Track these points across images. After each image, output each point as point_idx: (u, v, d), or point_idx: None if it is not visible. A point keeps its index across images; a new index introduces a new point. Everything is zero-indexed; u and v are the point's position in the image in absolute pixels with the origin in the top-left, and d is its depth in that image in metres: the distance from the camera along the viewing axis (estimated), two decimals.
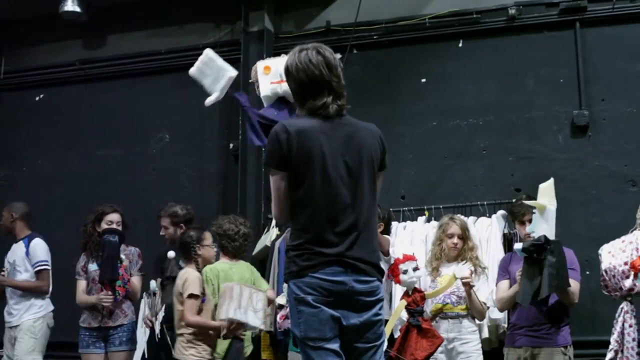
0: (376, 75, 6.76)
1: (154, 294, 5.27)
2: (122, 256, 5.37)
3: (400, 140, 6.51)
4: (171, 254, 5.15)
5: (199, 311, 4.52)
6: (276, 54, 6.17)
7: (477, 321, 4.89)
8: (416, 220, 6.03)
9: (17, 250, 5.83)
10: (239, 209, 6.52)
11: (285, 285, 4.49)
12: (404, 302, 4.62)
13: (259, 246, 6.12)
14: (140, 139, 7.41)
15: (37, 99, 7.97)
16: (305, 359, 2.82)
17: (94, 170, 7.47)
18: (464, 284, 4.65)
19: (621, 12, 6.20)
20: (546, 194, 4.19)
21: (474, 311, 4.78)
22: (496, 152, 6.33)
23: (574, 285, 4.44)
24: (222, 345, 4.69)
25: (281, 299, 5.08)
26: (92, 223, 5.42)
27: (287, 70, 3.03)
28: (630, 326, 4.17)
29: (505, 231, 5.71)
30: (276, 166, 2.89)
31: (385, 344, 3.02)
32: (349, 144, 2.91)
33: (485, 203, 5.96)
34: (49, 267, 5.77)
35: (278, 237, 5.95)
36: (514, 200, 5.17)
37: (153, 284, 5.26)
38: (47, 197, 7.43)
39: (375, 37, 6.79)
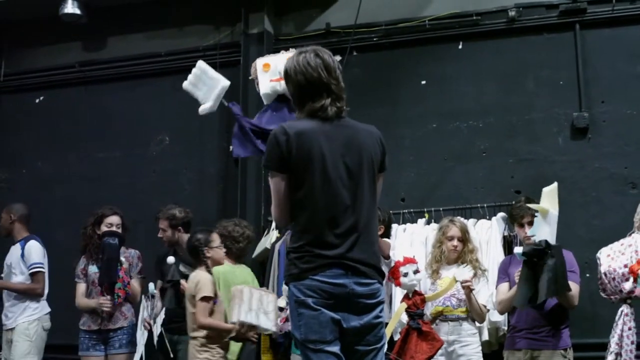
0: (376, 77, 6.76)
1: (152, 296, 5.26)
2: (122, 259, 5.37)
3: (400, 142, 6.50)
4: (170, 259, 5.15)
5: (211, 313, 4.52)
6: None
7: (477, 324, 4.89)
8: (416, 222, 6.01)
9: (14, 252, 5.81)
10: (239, 211, 6.52)
11: (285, 288, 4.50)
12: (404, 305, 4.62)
13: (259, 249, 6.12)
14: (140, 141, 7.40)
15: (37, 101, 7.97)
16: None
17: (94, 173, 7.47)
18: (464, 287, 4.65)
19: (621, 14, 6.19)
20: (549, 198, 4.17)
21: (474, 314, 4.78)
22: (496, 154, 6.32)
23: (574, 287, 4.43)
24: (235, 348, 4.69)
25: (281, 302, 5.08)
26: (92, 225, 5.42)
27: (286, 74, 3.04)
28: (630, 329, 4.17)
29: (505, 233, 5.70)
30: (276, 168, 2.89)
31: (385, 347, 3.01)
32: (348, 145, 2.92)
33: (485, 205, 5.95)
34: (44, 270, 5.73)
35: (278, 239, 5.94)
36: (513, 202, 5.16)
37: (151, 287, 5.26)
38: (47, 199, 7.43)
39: (375, 39, 6.79)
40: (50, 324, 5.76)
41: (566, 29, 6.31)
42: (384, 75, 6.75)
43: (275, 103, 5.14)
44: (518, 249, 4.35)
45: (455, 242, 4.93)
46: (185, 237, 5.42)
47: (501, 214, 5.77)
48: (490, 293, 4.96)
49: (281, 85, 4.82)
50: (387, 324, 4.32)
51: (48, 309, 5.76)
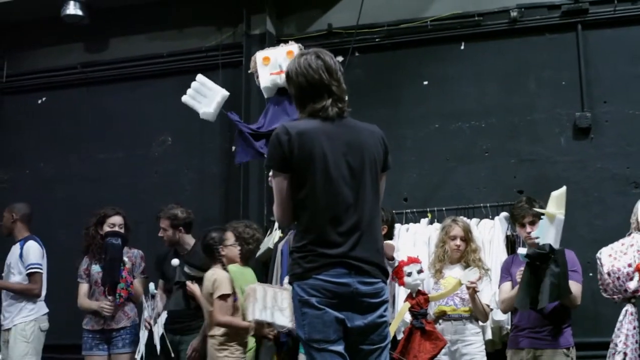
0: (378, 78, 6.76)
1: (153, 296, 5.26)
2: (125, 259, 5.37)
3: (402, 142, 6.51)
4: (175, 261, 5.16)
5: (234, 310, 4.51)
6: None
7: (480, 323, 4.89)
8: (419, 222, 6.02)
9: (14, 252, 5.81)
10: (241, 211, 6.52)
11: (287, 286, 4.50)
12: (408, 305, 4.62)
13: (262, 248, 6.10)
14: (141, 141, 7.40)
15: (39, 102, 7.97)
16: None
17: (96, 173, 7.47)
18: (468, 287, 4.65)
19: (623, 15, 6.20)
20: (557, 201, 4.15)
21: (478, 313, 4.77)
22: (498, 154, 6.33)
23: (576, 287, 4.43)
24: (253, 344, 4.70)
25: None
26: (95, 226, 5.42)
27: (288, 76, 3.06)
28: (635, 328, 4.17)
29: (508, 233, 5.70)
30: (278, 168, 2.90)
31: (389, 346, 3.01)
32: (350, 144, 2.92)
33: (487, 205, 5.96)
34: (42, 270, 5.70)
35: (281, 239, 5.94)
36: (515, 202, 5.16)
37: (152, 287, 5.26)
38: (49, 200, 7.43)
39: (377, 39, 6.79)
40: (48, 325, 5.73)
41: (568, 29, 6.32)
42: (386, 76, 6.75)
43: (275, 97, 5.16)
44: (522, 250, 4.35)
45: (458, 242, 4.92)
46: (187, 237, 5.44)
47: (504, 214, 5.77)
48: (493, 292, 4.96)
49: (281, 79, 4.82)
50: (390, 323, 4.33)
51: (46, 310, 5.72)
